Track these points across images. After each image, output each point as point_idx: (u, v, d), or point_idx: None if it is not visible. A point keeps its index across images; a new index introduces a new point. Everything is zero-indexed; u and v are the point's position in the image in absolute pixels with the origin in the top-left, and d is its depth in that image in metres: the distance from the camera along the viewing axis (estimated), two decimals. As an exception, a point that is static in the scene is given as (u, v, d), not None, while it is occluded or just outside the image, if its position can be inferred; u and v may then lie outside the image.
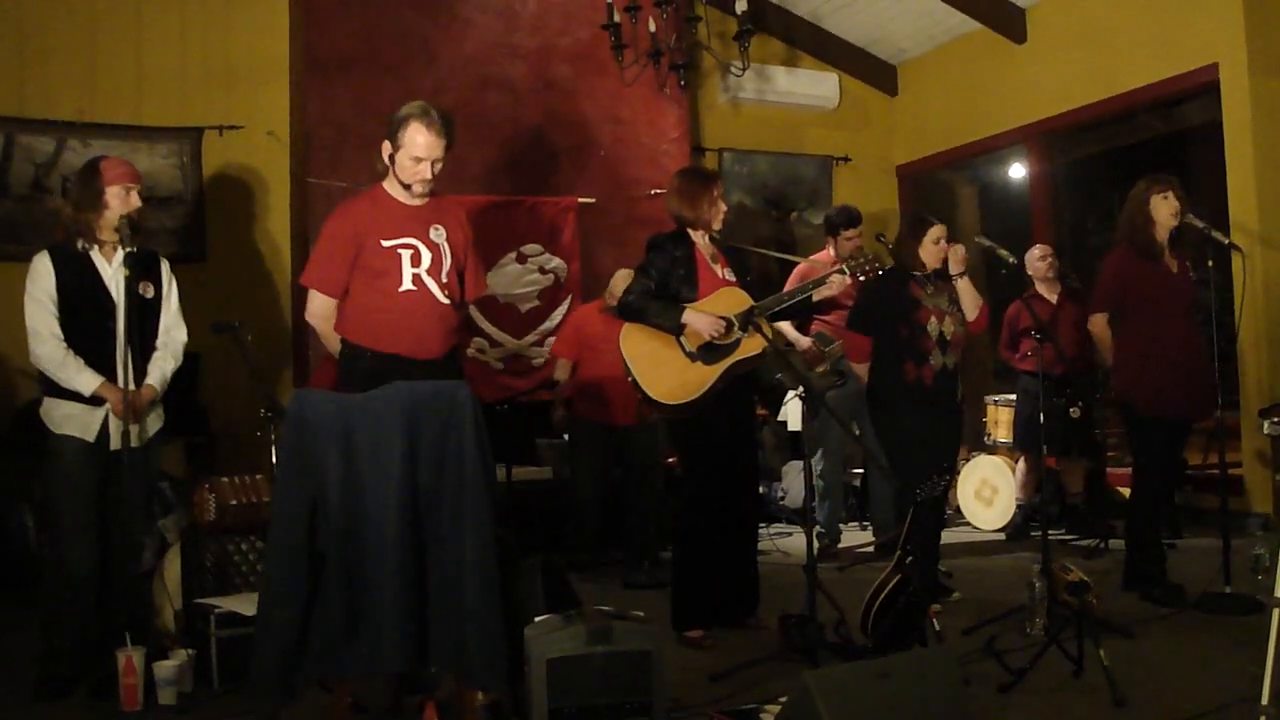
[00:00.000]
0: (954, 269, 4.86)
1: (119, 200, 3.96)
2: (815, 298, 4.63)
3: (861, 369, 5.12)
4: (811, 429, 6.24)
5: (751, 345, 4.35)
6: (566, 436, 6.43)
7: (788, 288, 5.87)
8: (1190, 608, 4.70)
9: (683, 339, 4.36)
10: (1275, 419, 5.40)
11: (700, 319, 4.31)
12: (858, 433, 5.97)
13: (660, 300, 4.39)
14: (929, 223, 4.90)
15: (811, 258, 6.39)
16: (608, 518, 6.20)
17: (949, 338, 4.85)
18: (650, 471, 6.16)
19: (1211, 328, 4.95)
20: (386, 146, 3.89)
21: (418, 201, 3.94)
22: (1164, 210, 4.89)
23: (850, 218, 6.32)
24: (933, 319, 4.82)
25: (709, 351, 4.34)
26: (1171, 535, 6.00)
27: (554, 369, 6.41)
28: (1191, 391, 4.92)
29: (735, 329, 4.35)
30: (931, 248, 4.87)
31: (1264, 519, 6.17)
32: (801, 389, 4.11)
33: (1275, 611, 2.72)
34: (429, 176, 3.87)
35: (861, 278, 4.64)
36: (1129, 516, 5.15)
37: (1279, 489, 5.75)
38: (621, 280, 6.09)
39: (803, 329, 6.23)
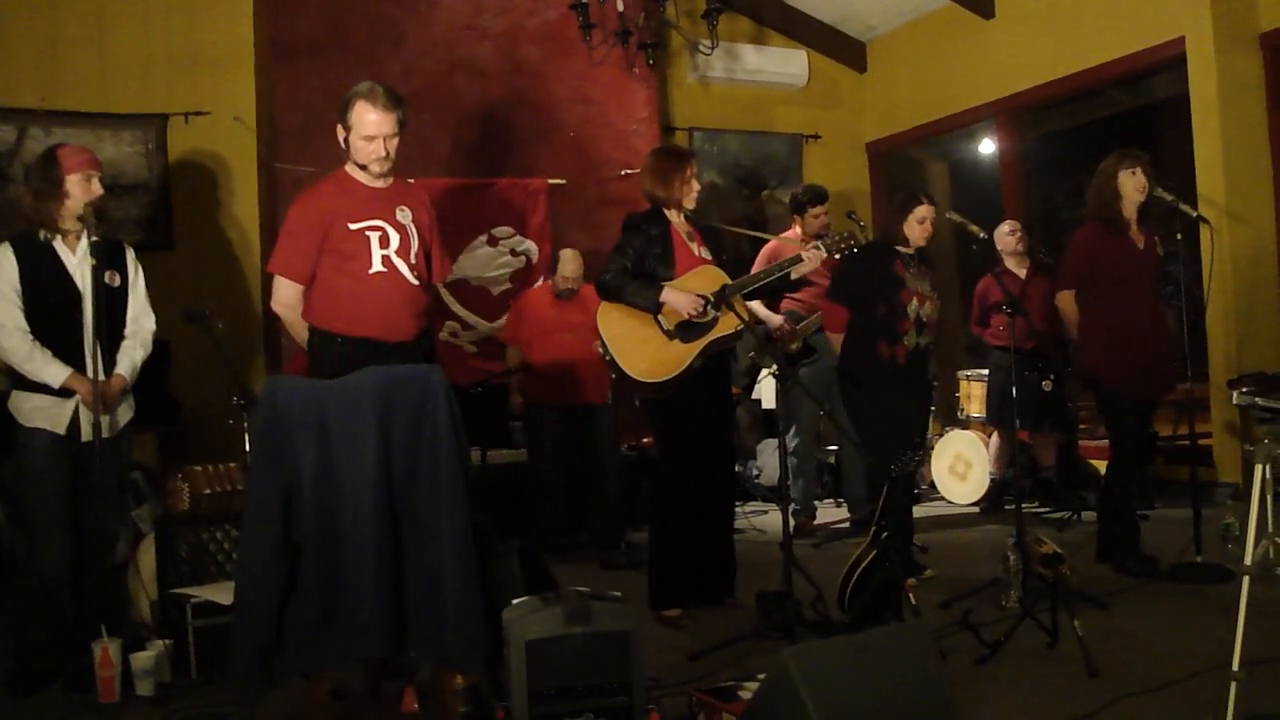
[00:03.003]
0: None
1: (79, 188, 3.90)
2: (793, 276, 4.64)
3: (836, 339, 5.14)
4: (784, 406, 6.28)
5: (728, 323, 4.36)
6: (520, 423, 6.43)
7: (757, 266, 5.89)
8: (1162, 578, 4.76)
9: (660, 317, 4.35)
10: (1244, 389, 5.45)
11: (679, 297, 4.31)
12: (827, 408, 5.99)
13: (637, 279, 4.38)
14: (918, 200, 4.95)
15: (780, 236, 6.41)
16: (572, 500, 6.20)
17: (925, 320, 4.91)
18: (609, 453, 6.16)
19: (1180, 301, 4.99)
20: (340, 130, 3.86)
21: (381, 183, 3.91)
22: (1131, 186, 4.93)
23: (816, 195, 6.39)
24: (914, 301, 4.87)
25: (686, 330, 4.34)
26: (1143, 506, 6.05)
27: (505, 356, 6.39)
28: (1157, 367, 4.98)
29: (710, 307, 4.35)
30: (916, 226, 4.92)
31: (1233, 489, 6.24)
32: (775, 366, 4.12)
33: (1245, 579, 2.75)
34: (384, 154, 3.83)
35: (837, 255, 4.65)
36: (1104, 489, 5.20)
37: (1248, 459, 5.81)
38: (569, 259, 6.11)
39: (773, 307, 6.25)
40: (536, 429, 6.20)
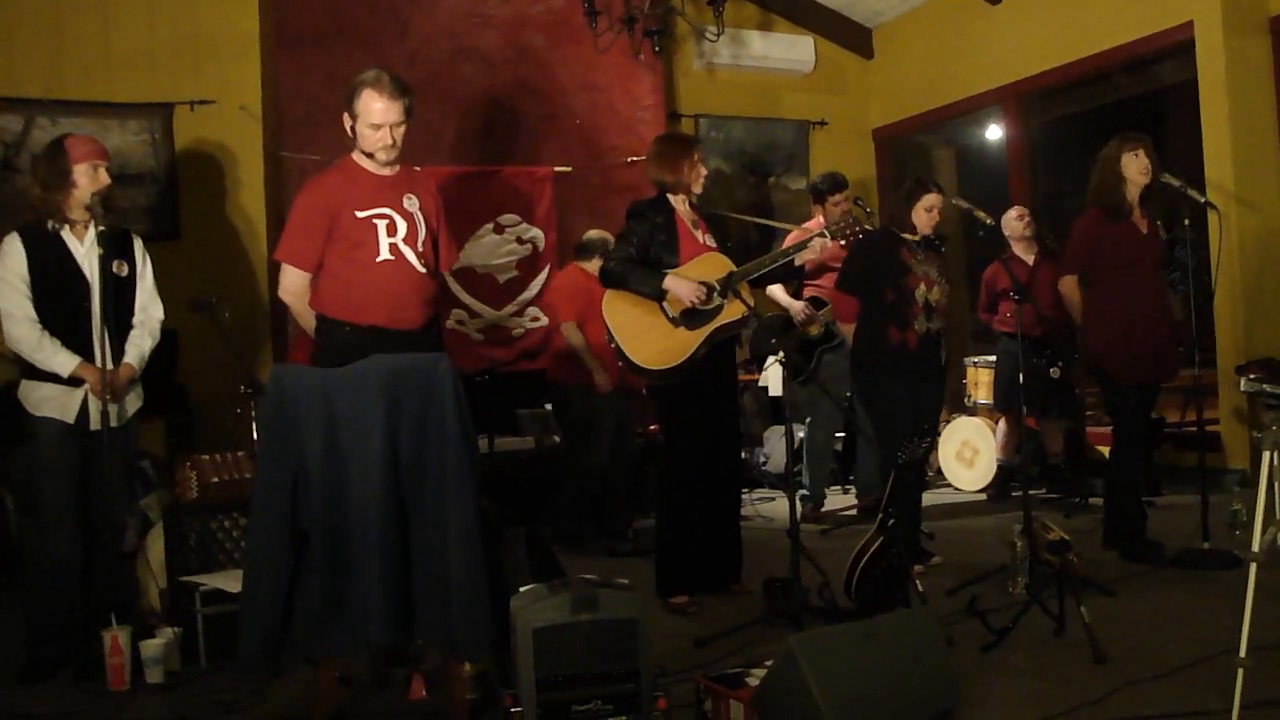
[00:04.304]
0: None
1: (87, 178, 3.91)
2: (797, 262, 4.64)
3: (848, 330, 5.15)
4: (798, 394, 6.27)
5: (733, 310, 4.36)
6: (550, 406, 6.38)
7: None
8: (1169, 564, 4.75)
9: (665, 305, 4.36)
10: (1252, 375, 5.45)
11: (682, 284, 4.31)
12: (848, 394, 6.01)
13: (642, 266, 4.38)
14: (926, 189, 4.95)
15: (804, 225, 6.38)
16: (602, 488, 6.11)
17: (934, 305, 4.91)
18: (632, 438, 6.13)
19: (1188, 286, 4.98)
20: (347, 119, 3.86)
21: (388, 171, 3.90)
22: (1134, 168, 4.91)
23: (836, 183, 6.35)
24: (921, 286, 4.87)
25: (691, 317, 4.34)
26: (1150, 493, 6.05)
27: (564, 336, 5.97)
28: (1160, 352, 4.96)
29: (716, 294, 4.35)
30: (923, 214, 4.93)
31: (1241, 475, 6.23)
32: (783, 355, 4.13)
33: (1252, 566, 2.75)
34: (390, 142, 3.82)
35: (843, 241, 4.65)
36: (1108, 475, 5.20)
37: (1256, 445, 5.80)
38: None
39: (798, 294, 6.24)
40: (596, 416, 5.91)
